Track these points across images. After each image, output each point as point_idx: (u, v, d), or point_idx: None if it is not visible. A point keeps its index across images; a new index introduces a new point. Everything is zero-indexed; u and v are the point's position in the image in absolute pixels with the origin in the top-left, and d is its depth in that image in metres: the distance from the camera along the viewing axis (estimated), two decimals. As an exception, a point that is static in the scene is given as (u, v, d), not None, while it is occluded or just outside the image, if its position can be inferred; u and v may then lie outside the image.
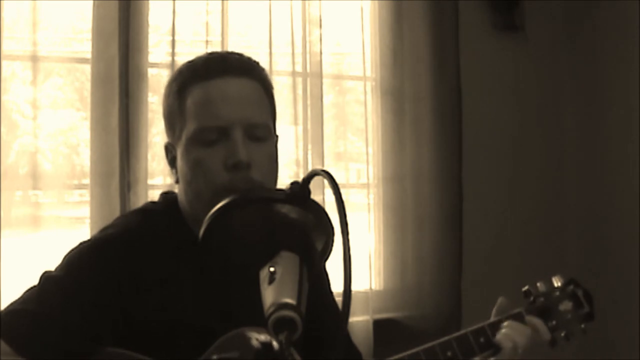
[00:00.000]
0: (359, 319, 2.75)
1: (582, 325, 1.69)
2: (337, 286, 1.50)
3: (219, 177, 1.32)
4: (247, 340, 1.29)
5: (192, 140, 1.35)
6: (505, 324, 1.57)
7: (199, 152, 1.34)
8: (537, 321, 1.60)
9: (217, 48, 2.63)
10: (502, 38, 3.18)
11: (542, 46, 3.28)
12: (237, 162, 1.32)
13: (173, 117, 1.39)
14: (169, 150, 1.42)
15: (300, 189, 1.03)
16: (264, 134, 1.37)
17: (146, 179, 2.47)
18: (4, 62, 2.32)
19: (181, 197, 1.42)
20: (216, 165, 1.33)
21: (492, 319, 1.60)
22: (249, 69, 1.39)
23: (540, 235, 3.25)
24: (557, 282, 1.69)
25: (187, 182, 1.37)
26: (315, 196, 1.05)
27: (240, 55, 1.42)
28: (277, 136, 1.44)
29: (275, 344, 0.86)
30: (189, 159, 1.35)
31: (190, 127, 1.35)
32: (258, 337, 1.26)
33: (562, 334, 1.66)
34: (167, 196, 1.47)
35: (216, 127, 1.34)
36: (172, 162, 1.42)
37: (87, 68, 2.48)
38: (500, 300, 1.62)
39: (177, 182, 1.42)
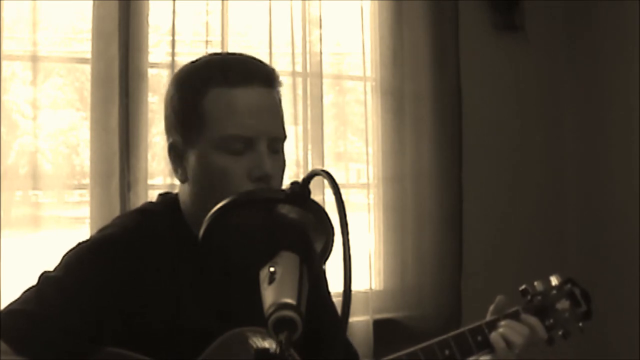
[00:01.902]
0: (359, 319, 2.75)
1: (580, 324, 1.69)
2: (337, 286, 1.50)
3: (242, 187, 1.31)
4: (248, 341, 1.29)
5: (215, 147, 1.34)
6: (502, 323, 1.58)
7: (223, 160, 1.33)
8: (533, 320, 1.61)
9: (217, 48, 2.63)
10: (502, 38, 3.18)
11: (542, 46, 3.28)
12: (264, 174, 1.33)
13: (187, 117, 1.37)
14: (175, 148, 1.40)
15: (300, 189, 1.03)
16: (281, 147, 1.39)
17: (146, 179, 2.47)
18: (4, 62, 2.31)
19: (185, 197, 1.41)
20: (240, 175, 1.33)
21: (490, 317, 1.60)
22: (272, 79, 1.39)
23: (540, 235, 3.25)
24: (554, 281, 1.70)
25: (202, 186, 1.36)
26: (315, 196, 1.05)
27: (261, 62, 1.41)
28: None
29: (272, 348, 0.86)
30: (209, 164, 1.34)
31: (213, 133, 1.34)
32: (257, 342, 1.26)
33: (560, 333, 1.66)
34: (166, 196, 1.47)
35: (243, 137, 1.33)
36: (176, 160, 1.40)
37: (87, 68, 2.48)
38: (498, 298, 1.62)
39: (183, 181, 1.40)
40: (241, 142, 1.33)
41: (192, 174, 1.38)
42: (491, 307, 1.61)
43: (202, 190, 1.37)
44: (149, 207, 1.47)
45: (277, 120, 1.38)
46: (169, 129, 1.42)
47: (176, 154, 1.40)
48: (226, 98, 1.34)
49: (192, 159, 1.37)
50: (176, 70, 1.52)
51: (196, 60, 1.42)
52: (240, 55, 1.45)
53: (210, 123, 1.34)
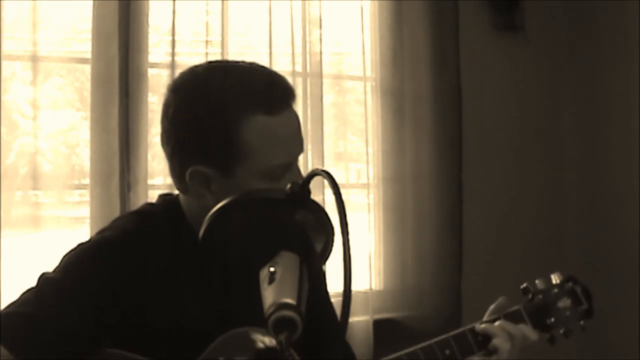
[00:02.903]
0: (359, 319, 2.75)
1: (581, 322, 1.69)
2: (337, 286, 1.50)
3: None
4: (248, 341, 1.29)
5: (257, 176, 1.30)
6: (497, 324, 1.57)
7: (266, 187, 1.30)
8: (524, 327, 1.60)
9: (217, 48, 2.63)
10: (502, 38, 3.18)
11: (542, 46, 3.28)
12: None
13: (221, 147, 1.30)
14: (201, 175, 1.32)
15: (300, 189, 1.03)
16: None
17: (146, 179, 2.47)
18: (4, 62, 2.31)
19: (194, 204, 1.37)
20: None
21: (491, 317, 1.60)
22: (294, 96, 1.36)
23: (540, 235, 3.25)
24: (555, 279, 1.69)
25: None
26: (315, 196, 1.05)
27: (280, 76, 1.36)
28: None
29: (272, 348, 0.86)
30: None
31: (257, 164, 1.30)
32: (262, 339, 1.26)
33: (561, 332, 1.66)
34: (167, 197, 1.46)
35: (286, 164, 1.33)
36: (203, 185, 1.33)
37: (87, 68, 2.48)
38: (500, 299, 1.62)
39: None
40: (283, 168, 1.32)
41: (223, 197, 1.25)
42: (491, 307, 1.61)
43: None
44: (148, 209, 1.47)
45: (302, 136, 1.38)
46: (188, 151, 1.33)
47: (203, 180, 1.32)
48: (268, 128, 1.30)
49: (227, 187, 1.30)
50: (177, 71, 1.49)
51: (204, 74, 1.34)
52: (257, 68, 1.38)
53: (252, 154, 1.29)
